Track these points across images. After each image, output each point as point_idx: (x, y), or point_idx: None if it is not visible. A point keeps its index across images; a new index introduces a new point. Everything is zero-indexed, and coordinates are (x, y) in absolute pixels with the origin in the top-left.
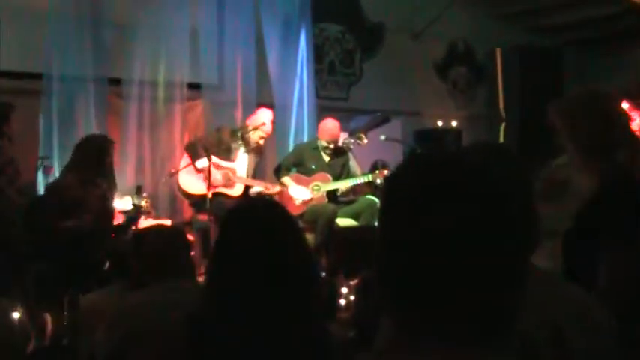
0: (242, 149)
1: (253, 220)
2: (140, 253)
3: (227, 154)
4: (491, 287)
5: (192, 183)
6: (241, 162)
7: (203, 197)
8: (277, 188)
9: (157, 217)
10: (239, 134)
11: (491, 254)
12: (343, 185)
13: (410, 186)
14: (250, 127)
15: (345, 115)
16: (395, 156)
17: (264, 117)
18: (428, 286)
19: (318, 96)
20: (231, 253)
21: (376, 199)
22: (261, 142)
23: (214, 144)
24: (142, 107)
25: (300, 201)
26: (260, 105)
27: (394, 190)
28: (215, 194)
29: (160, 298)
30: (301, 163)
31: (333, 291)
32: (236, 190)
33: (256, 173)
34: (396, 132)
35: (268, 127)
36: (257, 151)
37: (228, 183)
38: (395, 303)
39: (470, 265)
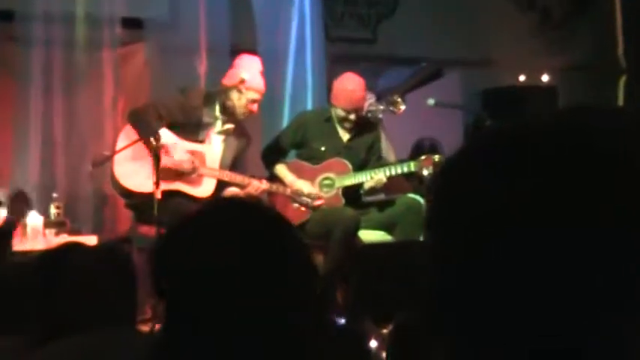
0: (217, 127)
1: (228, 233)
2: (53, 288)
3: (194, 131)
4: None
5: (134, 174)
6: (215, 147)
7: (150, 197)
8: (265, 185)
9: (73, 232)
10: (217, 101)
11: (600, 269)
12: (370, 178)
13: (474, 179)
14: (233, 89)
15: (371, 68)
16: (451, 131)
17: (245, 69)
18: (520, 317)
19: (328, 38)
20: (193, 285)
21: (421, 200)
22: (254, 107)
23: (176, 113)
24: (51, 56)
25: (303, 203)
26: (237, 52)
27: (451, 186)
28: (168, 193)
29: (87, 353)
30: (304, 143)
31: (357, 346)
32: (203, 189)
33: (237, 167)
34: (453, 92)
35: (257, 82)
36: (239, 133)
37: (191, 177)
38: (464, 350)
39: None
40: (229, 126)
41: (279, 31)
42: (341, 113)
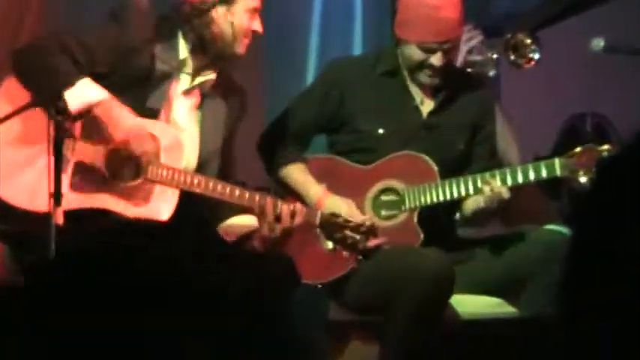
0: (183, 81)
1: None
2: None
3: (140, 90)
4: None
5: (18, 173)
6: (182, 121)
7: (43, 221)
8: (299, 214)
9: None
10: (181, 31)
11: None
12: (476, 189)
13: None
14: (215, 4)
15: None
16: (633, 100)
17: None
18: None
19: None
20: None
21: (566, 232)
22: (257, 23)
23: (104, 56)
24: None
25: (345, 243)
26: None
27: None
28: (83, 215)
29: None
30: (344, 121)
31: None
32: (154, 208)
33: (226, 156)
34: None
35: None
36: (227, 90)
37: (132, 184)
38: None
39: None
40: (207, 77)
41: None
42: (415, 54)
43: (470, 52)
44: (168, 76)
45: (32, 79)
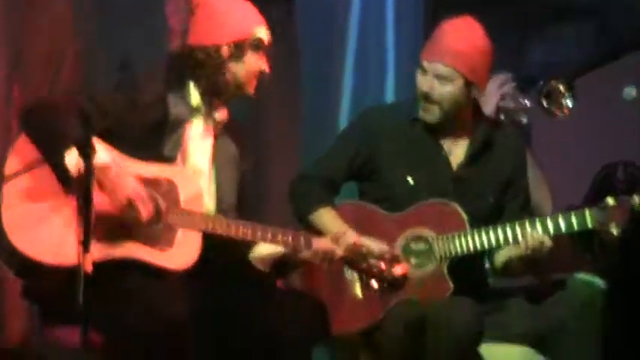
0: (197, 124)
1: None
2: None
3: (155, 138)
4: None
5: (37, 227)
6: (200, 163)
7: (69, 274)
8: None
9: None
10: (193, 76)
11: None
12: (509, 238)
13: None
14: (224, 50)
15: (512, 22)
16: None
17: (240, 15)
18: None
19: None
20: None
21: (602, 284)
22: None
23: (122, 115)
24: None
25: (370, 289)
26: None
27: None
28: (108, 265)
29: None
30: (374, 169)
31: None
32: (177, 254)
33: (247, 195)
34: None
35: (253, 21)
36: (235, 130)
37: (153, 230)
38: None
39: None
40: (220, 116)
41: None
42: (418, 79)
43: (503, 98)
44: (182, 122)
45: (37, 137)
